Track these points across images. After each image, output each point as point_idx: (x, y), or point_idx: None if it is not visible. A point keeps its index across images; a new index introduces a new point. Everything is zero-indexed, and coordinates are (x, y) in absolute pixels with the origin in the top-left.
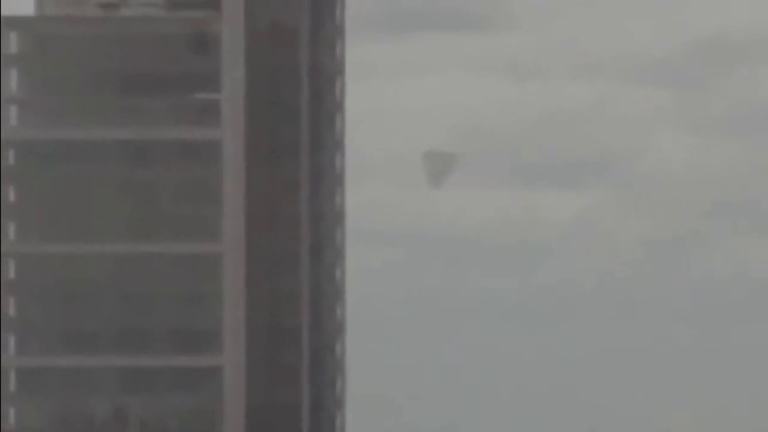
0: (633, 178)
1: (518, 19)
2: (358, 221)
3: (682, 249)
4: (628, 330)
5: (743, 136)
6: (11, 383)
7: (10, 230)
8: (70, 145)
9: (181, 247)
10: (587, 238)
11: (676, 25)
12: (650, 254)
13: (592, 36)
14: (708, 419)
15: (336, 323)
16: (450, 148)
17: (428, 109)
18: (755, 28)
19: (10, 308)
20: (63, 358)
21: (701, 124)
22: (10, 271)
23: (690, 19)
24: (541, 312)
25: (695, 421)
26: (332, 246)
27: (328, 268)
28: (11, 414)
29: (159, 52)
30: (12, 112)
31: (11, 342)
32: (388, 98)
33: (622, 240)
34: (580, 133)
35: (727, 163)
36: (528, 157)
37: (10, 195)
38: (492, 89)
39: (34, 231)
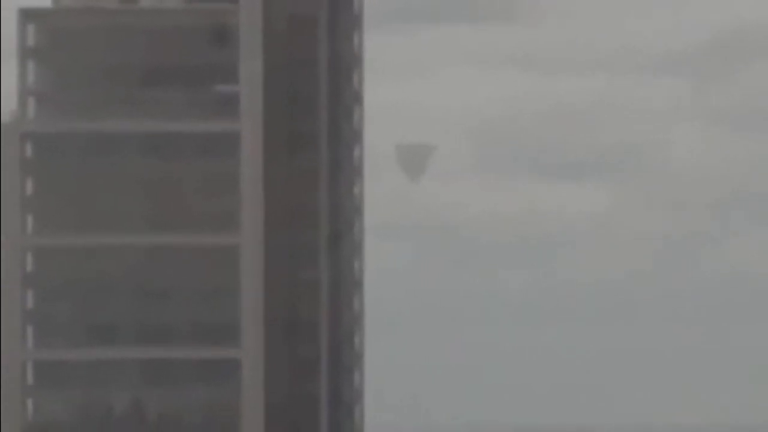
0: (646, 172)
1: (535, 12)
2: (376, 213)
3: (695, 245)
4: (635, 328)
5: (761, 130)
6: (29, 376)
7: (28, 223)
8: (88, 138)
9: (200, 239)
10: (601, 234)
11: (694, 19)
12: (662, 251)
13: (609, 29)
14: (713, 416)
15: (354, 315)
16: (463, 142)
17: (444, 102)
18: None
19: (28, 301)
20: (81, 351)
21: (718, 119)
22: (28, 263)
23: (709, 12)
24: (556, 308)
25: (700, 417)
26: (350, 238)
27: (346, 260)
28: (29, 407)
29: (177, 44)
30: (30, 105)
31: (29, 335)
32: (406, 91)
33: (633, 236)
34: (594, 127)
35: (745, 156)
36: (541, 151)
37: (28, 188)
38: (507, 82)
39: (52, 224)
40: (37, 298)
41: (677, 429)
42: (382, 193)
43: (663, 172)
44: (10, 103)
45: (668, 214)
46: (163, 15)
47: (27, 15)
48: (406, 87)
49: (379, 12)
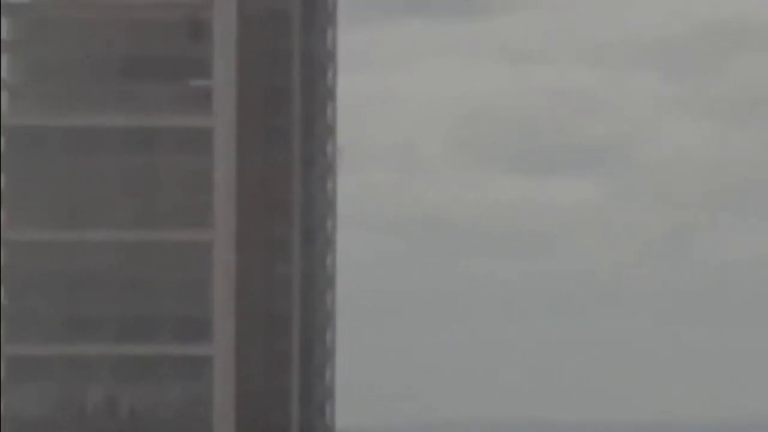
0: (637, 165)
1: (518, 2)
2: (350, 208)
3: (684, 237)
4: (627, 321)
5: (752, 122)
6: (2, 372)
7: (2, 218)
8: (61, 132)
9: (173, 235)
10: (590, 226)
11: (684, 9)
12: (655, 243)
13: (596, 19)
14: (711, 408)
15: (326, 311)
16: (447, 134)
17: (425, 95)
18: (766, 14)
19: (2, 296)
20: (54, 346)
21: (709, 110)
22: (2, 258)
23: (695, 3)
24: (542, 302)
25: (698, 412)
26: (323, 233)
27: (319, 256)
28: (1, 402)
29: (151, 38)
30: (3, 99)
31: (2, 330)
32: (382, 85)
33: (626, 229)
34: (582, 120)
35: (735, 148)
36: (528, 143)
37: (2, 182)
38: (491, 75)
39: (26, 219)
40: (11, 294)
41: (668, 426)
42: (361, 187)
43: (651, 164)
44: None
45: (657, 206)
46: (138, 8)
47: (3, 8)
48: (382, 81)
49: (355, 5)
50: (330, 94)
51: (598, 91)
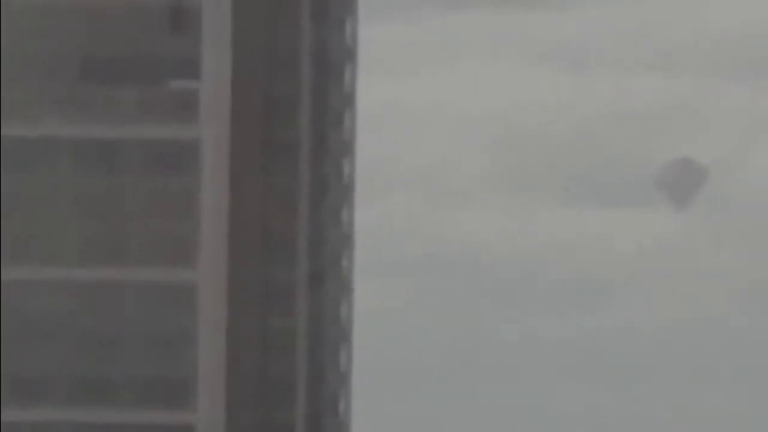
0: (725, 197)
1: None
2: (370, 246)
3: None
4: (713, 391)
5: None
6: None
7: None
8: (12, 144)
9: (148, 274)
10: (662, 273)
11: None
12: (746, 295)
13: (676, 19)
14: None
15: (340, 374)
16: (489, 153)
17: (458, 107)
18: None
19: None
20: (3, 411)
21: None
22: None
23: None
24: (600, 366)
25: None
26: (337, 276)
27: (331, 305)
28: None
29: (125, 30)
30: None
31: None
32: (412, 92)
33: (709, 277)
34: (655, 141)
35: None
36: (586, 168)
37: None
38: (543, 82)
39: None
40: None
41: None
42: (384, 219)
43: (742, 196)
44: None
45: (747, 249)
46: None
47: None
48: (410, 87)
49: None
50: (347, 102)
51: (675, 106)
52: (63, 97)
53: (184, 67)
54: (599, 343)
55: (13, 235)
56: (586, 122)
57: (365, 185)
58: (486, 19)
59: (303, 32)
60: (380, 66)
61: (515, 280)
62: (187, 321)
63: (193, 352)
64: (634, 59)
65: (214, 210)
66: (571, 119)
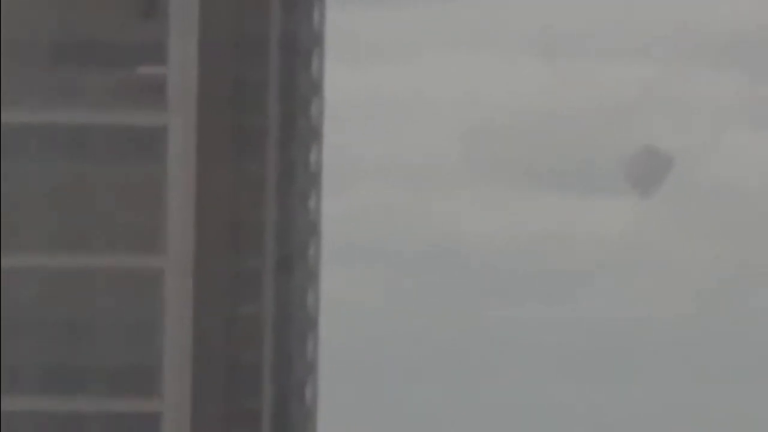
0: (693, 186)
1: None
2: (337, 233)
3: (748, 281)
4: (688, 381)
5: None
6: None
7: None
8: None
9: (115, 261)
10: (634, 262)
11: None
12: (715, 284)
13: (644, 7)
14: None
15: (306, 362)
16: (463, 142)
17: (430, 95)
18: None
19: None
20: None
21: None
22: None
23: None
24: (575, 356)
25: None
26: (304, 263)
27: (298, 292)
28: None
29: (90, 15)
30: None
31: None
32: (382, 78)
33: (679, 265)
34: (625, 130)
35: None
36: (566, 157)
37: None
38: (522, 69)
39: None
40: None
41: None
42: (357, 206)
43: (721, 188)
44: None
45: (717, 241)
46: None
47: None
48: (382, 74)
49: None
50: (315, 88)
51: (656, 93)
52: (31, 83)
53: (153, 53)
54: (571, 334)
55: None
56: (565, 111)
57: (333, 173)
58: (459, 7)
59: (271, 19)
60: (349, 53)
61: (490, 271)
62: (154, 308)
63: (159, 339)
64: (616, 45)
65: (181, 197)
66: (550, 108)
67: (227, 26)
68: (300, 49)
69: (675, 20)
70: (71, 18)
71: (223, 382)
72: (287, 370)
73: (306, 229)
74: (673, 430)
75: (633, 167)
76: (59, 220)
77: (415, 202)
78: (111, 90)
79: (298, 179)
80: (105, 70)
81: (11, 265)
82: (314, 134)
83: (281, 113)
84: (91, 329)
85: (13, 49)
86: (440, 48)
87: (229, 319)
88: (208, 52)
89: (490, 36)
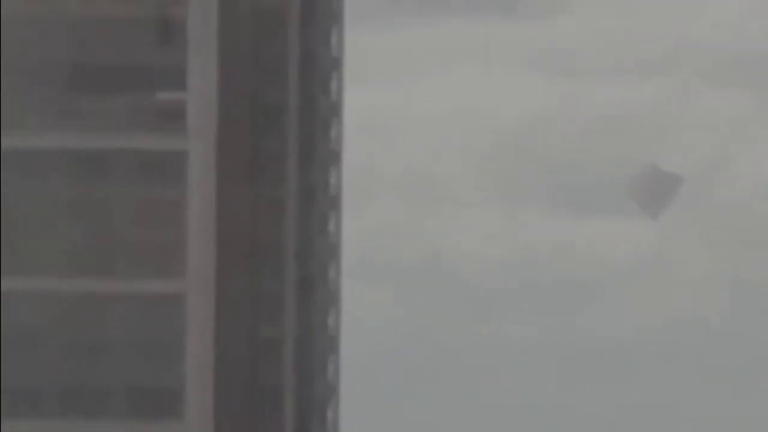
0: (708, 202)
1: (559, 3)
2: (358, 255)
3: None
4: (701, 396)
5: None
6: None
7: None
8: None
9: (136, 284)
10: (647, 279)
11: None
12: (730, 301)
13: (660, 24)
14: None
15: (327, 383)
16: (470, 163)
17: (446, 114)
18: None
19: None
20: None
21: None
22: None
23: None
24: (586, 371)
25: None
26: (324, 285)
27: (319, 313)
28: None
29: (110, 40)
30: None
31: None
32: (400, 100)
33: (693, 282)
34: (639, 147)
35: None
36: (571, 175)
37: None
38: (525, 89)
39: None
40: None
41: None
42: (377, 227)
43: (728, 205)
44: None
45: (733, 256)
46: (93, 3)
47: None
48: (397, 95)
49: (364, 3)
50: (334, 110)
51: (664, 112)
52: (51, 107)
53: (172, 77)
54: (582, 347)
55: (1, 246)
56: (574, 130)
57: (352, 193)
58: (472, 27)
59: (290, 42)
60: (366, 74)
61: (502, 288)
62: (176, 331)
63: (181, 361)
64: (626, 65)
65: (201, 219)
66: (559, 127)
67: (246, 50)
68: (319, 71)
69: (680, 38)
70: (91, 43)
71: (245, 403)
72: (308, 391)
73: (326, 249)
74: (673, 430)
75: (638, 186)
76: (81, 245)
77: (429, 220)
78: (131, 115)
79: (318, 200)
80: (126, 95)
81: (32, 289)
82: (334, 157)
83: (300, 136)
84: (113, 352)
85: (34, 74)
86: (458, 67)
87: (251, 341)
88: (228, 76)
89: (503, 55)
